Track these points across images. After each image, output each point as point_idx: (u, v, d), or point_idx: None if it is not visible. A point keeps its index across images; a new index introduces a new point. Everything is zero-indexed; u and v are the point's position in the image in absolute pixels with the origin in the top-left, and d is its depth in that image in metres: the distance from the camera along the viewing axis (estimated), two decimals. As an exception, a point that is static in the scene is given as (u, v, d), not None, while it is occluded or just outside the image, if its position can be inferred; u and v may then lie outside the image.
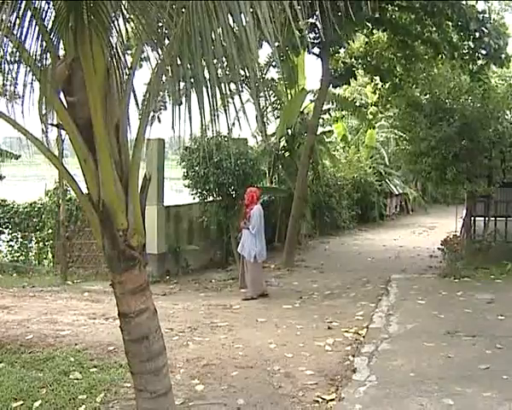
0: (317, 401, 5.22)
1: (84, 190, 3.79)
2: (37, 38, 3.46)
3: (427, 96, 12.49)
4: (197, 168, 11.27)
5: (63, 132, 3.83)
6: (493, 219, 13.01)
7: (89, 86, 3.49)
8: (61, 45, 3.67)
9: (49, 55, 3.57)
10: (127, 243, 3.66)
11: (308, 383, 5.67)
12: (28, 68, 3.56)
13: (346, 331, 7.51)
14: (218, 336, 7.44)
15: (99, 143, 3.54)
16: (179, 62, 3.34)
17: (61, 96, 3.68)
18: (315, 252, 15.85)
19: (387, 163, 25.26)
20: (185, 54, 3.22)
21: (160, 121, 11.88)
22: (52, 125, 3.74)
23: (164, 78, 3.68)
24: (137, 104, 3.90)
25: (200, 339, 7.27)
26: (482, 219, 13.12)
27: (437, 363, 6.13)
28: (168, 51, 3.39)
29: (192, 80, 3.24)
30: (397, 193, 26.49)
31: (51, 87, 3.51)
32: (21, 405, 4.96)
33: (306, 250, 16.12)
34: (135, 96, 3.90)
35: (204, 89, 3.15)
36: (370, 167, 23.61)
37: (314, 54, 13.46)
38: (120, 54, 3.71)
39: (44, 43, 3.47)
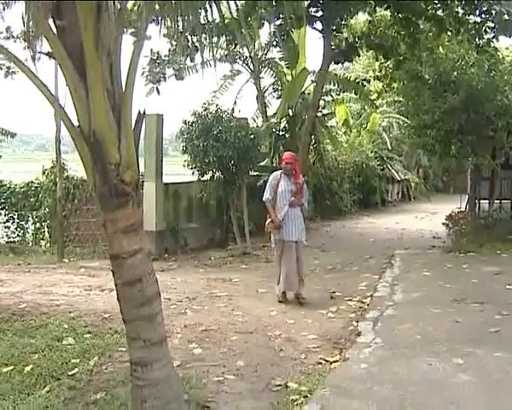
0: (320, 363, 5.03)
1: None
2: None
3: (432, 68, 12.14)
4: (196, 141, 10.97)
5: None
6: (498, 201, 12.78)
7: (79, 7, 3.24)
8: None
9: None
10: (119, 177, 3.42)
11: (311, 347, 5.48)
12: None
13: (350, 300, 7.31)
14: (218, 304, 7.23)
15: (90, 68, 3.29)
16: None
17: (50, 21, 3.44)
18: (316, 233, 15.57)
19: (389, 148, 25.00)
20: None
21: (158, 93, 11.59)
22: (41, 53, 3.51)
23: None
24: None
25: (199, 308, 7.06)
26: (487, 201, 12.92)
27: (444, 327, 5.93)
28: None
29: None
30: (399, 179, 26.20)
31: (38, 9, 3.26)
32: (12, 369, 4.74)
33: (307, 232, 15.77)
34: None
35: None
36: (372, 152, 23.32)
37: (316, 29, 13.19)
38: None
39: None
